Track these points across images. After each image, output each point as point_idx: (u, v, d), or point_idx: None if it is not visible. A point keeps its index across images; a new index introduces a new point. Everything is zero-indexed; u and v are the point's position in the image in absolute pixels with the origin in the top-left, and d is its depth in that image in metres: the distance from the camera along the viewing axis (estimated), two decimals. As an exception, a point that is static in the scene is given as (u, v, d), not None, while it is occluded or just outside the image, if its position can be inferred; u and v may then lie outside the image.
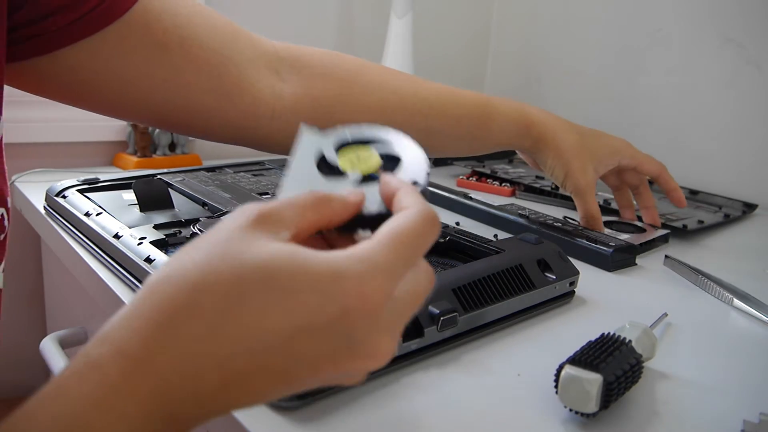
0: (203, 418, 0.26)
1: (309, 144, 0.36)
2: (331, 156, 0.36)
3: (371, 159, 0.36)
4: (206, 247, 0.26)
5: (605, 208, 0.88)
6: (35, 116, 0.94)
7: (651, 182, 1.07)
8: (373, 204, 0.32)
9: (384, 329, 0.27)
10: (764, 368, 0.50)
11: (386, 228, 0.28)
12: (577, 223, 0.76)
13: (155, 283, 0.25)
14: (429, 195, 0.35)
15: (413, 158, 0.35)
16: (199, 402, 0.25)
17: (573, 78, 1.31)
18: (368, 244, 0.27)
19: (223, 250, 0.25)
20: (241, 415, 0.37)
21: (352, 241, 0.31)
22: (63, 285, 0.90)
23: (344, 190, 0.32)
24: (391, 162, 0.36)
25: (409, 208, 0.29)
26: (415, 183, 0.33)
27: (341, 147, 0.36)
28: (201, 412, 0.25)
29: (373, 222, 0.31)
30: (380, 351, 0.27)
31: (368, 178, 0.34)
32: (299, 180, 0.34)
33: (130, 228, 0.57)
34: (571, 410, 0.38)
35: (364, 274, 0.25)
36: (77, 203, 0.66)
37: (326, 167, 0.35)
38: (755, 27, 1.03)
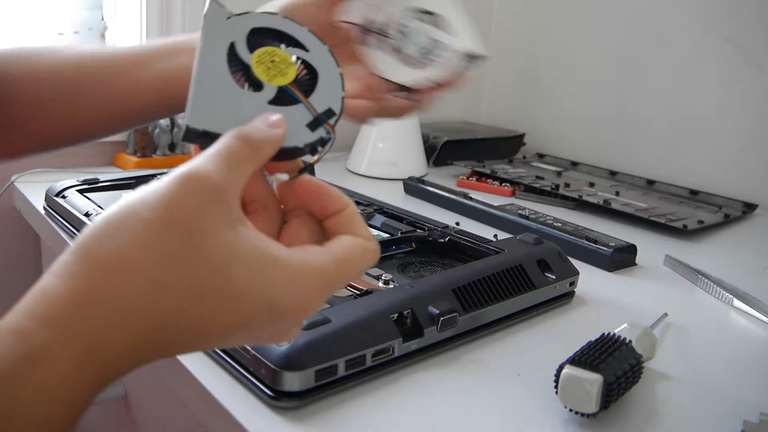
0: (127, 373, 0.26)
1: (219, 31, 0.31)
2: (244, 54, 0.31)
3: (288, 68, 0.31)
4: (166, 233, 0.24)
5: (606, 209, 0.88)
6: (35, 116, 0.94)
7: (651, 182, 1.08)
8: (289, 139, 0.29)
9: (300, 321, 0.29)
10: (764, 368, 0.50)
11: (345, 249, 0.29)
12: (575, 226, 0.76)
13: (86, 246, 0.25)
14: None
15: (329, 77, 0.32)
16: (128, 364, 0.25)
17: (573, 78, 1.31)
18: (325, 260, 0.28)
19: (187, 243, 0.24)
20: (242, 415, 0.37)
21: (263, 184, 0.30)
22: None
23: (262, 112, 0.29)
24: (306, 74, 0.32)
25: (369, 242, 0.30)
26: (329, 110, 0.31)
27: (252, 41, 0.32)
28: (126, 371, 0.25)
29: (285, 155, 0.29)
30: (309, 312, 0.28)
31: (282, 91, 0.31)
32: (210, 86, 0.30)
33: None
34: (571, 410, 0.38)
35: (312, 290, 0.27)
36: (77, 203, 0.66)
37: (236, 63, 0.31)
38: (755, 27, 1.03)
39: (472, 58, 0.42)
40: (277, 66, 0.31)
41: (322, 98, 0.31)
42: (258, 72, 0.31)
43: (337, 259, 0.28)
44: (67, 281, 0.24)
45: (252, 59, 0.31)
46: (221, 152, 0.27)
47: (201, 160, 0.26)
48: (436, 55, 0.42)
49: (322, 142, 0.30)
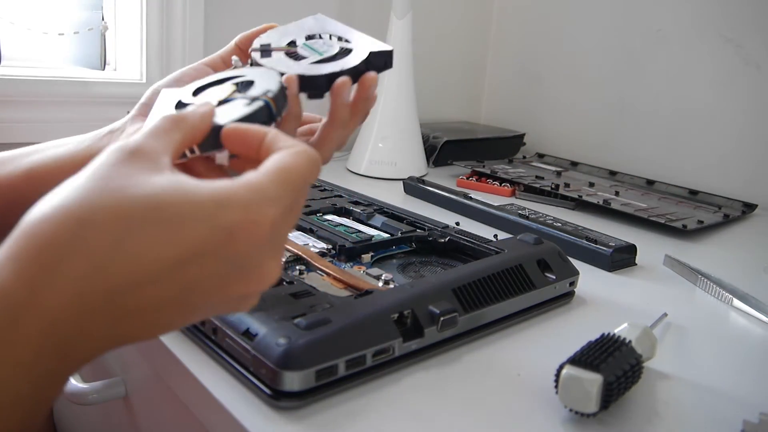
0: (98, 352, 0.26)
1: (166, 98, 0.40)
2: (188, 99, 0.39)
3: (226, 90, 0.38)
4: (84, 184, 0.25)
5: (606, 209, 0.88)
6: (35, 116, 0.94)
7: (651, 182, 1.07)
8: (223, 118, 0.33)
9: (270, 254, 0.28)
10: (764, 368, 0.50)
11: (273, 161, 0.29)
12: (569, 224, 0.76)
13: (32, 224, 0.24)
14: (284, 101, 0.38)
15: (266, 78, 0.39)
16: (92, 338, 0.25)
17: (573, 78, 1.31)
18: (254, 175, 0.28)
19: (103, 185, 0.25)
20: (242, 415, 0.37)
21: (215, 169, 0.34)
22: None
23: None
24: (246, 85, 0.38)
25: (295, 147, 0.30)
26: (267, 91, 0.36)
27: (199, 91, 0.40)
28: (95, 346, 0.25)
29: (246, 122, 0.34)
30: (267, 274, 0.28)
31: (223, 102, 0.36)
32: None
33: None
34: (571, 410, 0.38)
35: (250, 202, 0.26)
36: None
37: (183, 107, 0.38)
38: (755, 27, 1.04)
39: (377, 55, 0.43)
40: (216, 93, 0.38)
41: (260, 88, 0.37)
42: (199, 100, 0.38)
43: (268, 171, 0.28)
44: (8, 258, 0.24)
45: (196, 96, 0.39)
46: (146, 128, 0.30)
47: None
48: (342, 54, 0.44)
49: (267, 110, 0.35)
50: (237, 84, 0.39)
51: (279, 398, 0.38)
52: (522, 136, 1.32)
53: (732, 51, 1.06)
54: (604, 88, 1.25)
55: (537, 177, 1.04)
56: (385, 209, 0.70)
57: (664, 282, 0.66)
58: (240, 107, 0.35)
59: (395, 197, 0.92)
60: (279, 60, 0.43)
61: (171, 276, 0.25)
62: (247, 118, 0.34)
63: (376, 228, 0.65)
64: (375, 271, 0.53)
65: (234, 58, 0.45)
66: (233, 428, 0.37)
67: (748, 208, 0.98)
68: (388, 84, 1.07)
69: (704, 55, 1.10)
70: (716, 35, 1.08)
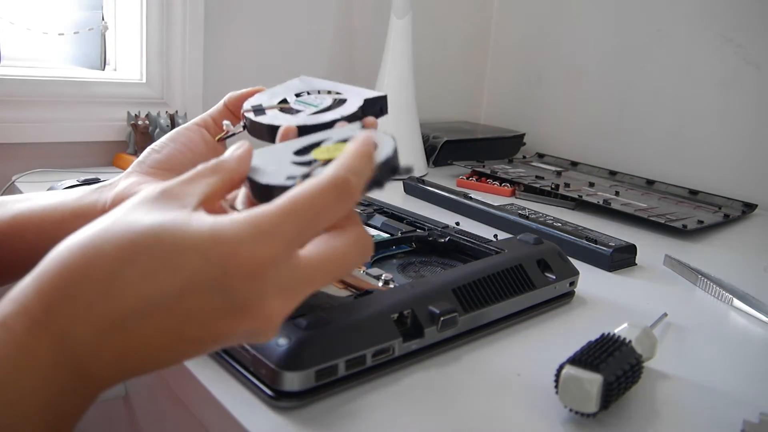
0: (115, 375, 0.27)
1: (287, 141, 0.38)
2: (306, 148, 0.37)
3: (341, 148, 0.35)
4: (107, 217, 0.28)
5: (606, 209, 0.88)
6: (35, 116, 0.94)
7: (651, 182, 1.08)
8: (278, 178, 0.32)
9: (272, 292, 0.27)
10: (764, 368, 0.50)
11: (285, 194, 0.28)
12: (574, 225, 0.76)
13: (57, 250, 0.27)
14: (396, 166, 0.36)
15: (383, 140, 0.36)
16: (106, 361, 0.26)
17: (573, 78, 1.31)
18: (260, 209, 0.27)
19: (120, 218, 0.27)
20: (242, 415, 0.37)
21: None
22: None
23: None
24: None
25: (318, 177, 0.29)
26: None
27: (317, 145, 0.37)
28: (110, 369, 0.27)
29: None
30: (265, 312, 0.27)
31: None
32: (269, 153, 0.35)
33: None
34: (571, 410, 0.38)
35: (243, 237, 0.26)
36: (77, 203, 0.66)
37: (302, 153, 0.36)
38: (755, 27, 1.04)
39: (372, 102, 0.44)
40: (331, 150, 0.35)
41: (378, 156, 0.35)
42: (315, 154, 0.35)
43: (274, 204, 0.28)
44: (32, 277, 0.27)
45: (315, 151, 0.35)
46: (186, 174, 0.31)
47: None
48: (337, 104, 0.44)
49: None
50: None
51: (279, 398, 0.38)
52: (522, 136, 1.32)
53: (732, 51, 1.06)
54: (604, 89, 1.25)
55: (537, 177, 1.04)
56: (385, 209, 0.70)
57: (664, 282, 0.66)
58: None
59: (395, 197, 0.92)
60: (275, 116, 0.43)
61: (170, 304, 0.26)
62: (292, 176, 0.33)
63: (376, 228, 0.65)
64: (375, 271, 0.53)
65: (225, 122, 0.46)
66: (233, 428, 0.37)
67: (748, 208, 0.98)
68: (388, 84, 1.07)
69: (704, 55, 1.10)
70: (716, 35, 1.08)
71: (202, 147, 0.47)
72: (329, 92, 0.46)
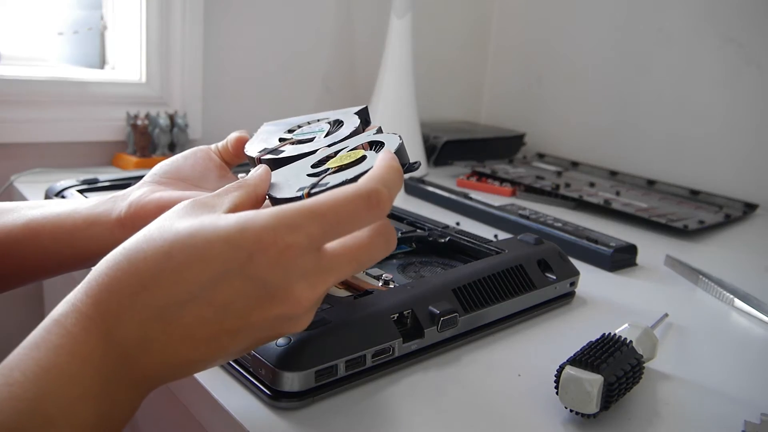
0: (164, 372, 0.30)
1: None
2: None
3: (353, 155, 0.38)
4: (146, 228, 0.31)
5: (606, 209, 0.88)
6: (34, 116, 0.94)
7: (652, 182, 1.07)
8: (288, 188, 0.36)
9: (297, 277, 0.29)
10: (765, 369, 0.50)
11: (313, 198, 0.30)
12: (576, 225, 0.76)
13: (105, 257, 0.30)
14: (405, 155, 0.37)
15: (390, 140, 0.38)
16: (152, 354, 0.29)
17: (573, 78, 1.31)
18: (285, 206, 0.30)
19: (157, 227, 0.31)
20: (242, 415, 0.37)
21: None
22: (62, 285, 0.90)
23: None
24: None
25: (350, 186, 0.31)
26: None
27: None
28: (158, 364, 0.29)
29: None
30: (293, 296, 0.29)
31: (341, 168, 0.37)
32: (288, 171, 0.38)
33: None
34: (571, 411, 0.38)
35: (267, 225, 0.28)
36: (76, 203, 0.66)
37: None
38: (755, 27, 1.03)
39: (360, 113, 0.46)
40: (344, 156, 0.38)
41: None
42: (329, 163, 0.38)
43: (301, 202, 0.30)
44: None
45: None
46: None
47: None
48: (336, 124, 0.45)
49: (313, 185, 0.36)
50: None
51: (278, 398, 0.37)
52: (522, 136, 1.32)
53: (733, 51, 1.06)
54: (604, 89, 1.25)
55: (537, 177, 1.04)
56: (385, 209, 0.70)
57: (664, 282, 0.66)
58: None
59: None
60: (296, 148, 0.43)
61: (206, 294, 0.28)
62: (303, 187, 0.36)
63: (376, 228, 0.64)
64: (375, 271, 0.53)
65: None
66: (233, 428, 0.37)
67: (750, 208, 0.98)
68: (388, 84, 1.07)
69: (705, 55, 1.10)
70: (717, 35, 1.07)
71: (210, 163, 0.49)
72: (309, 123, 0.48)
